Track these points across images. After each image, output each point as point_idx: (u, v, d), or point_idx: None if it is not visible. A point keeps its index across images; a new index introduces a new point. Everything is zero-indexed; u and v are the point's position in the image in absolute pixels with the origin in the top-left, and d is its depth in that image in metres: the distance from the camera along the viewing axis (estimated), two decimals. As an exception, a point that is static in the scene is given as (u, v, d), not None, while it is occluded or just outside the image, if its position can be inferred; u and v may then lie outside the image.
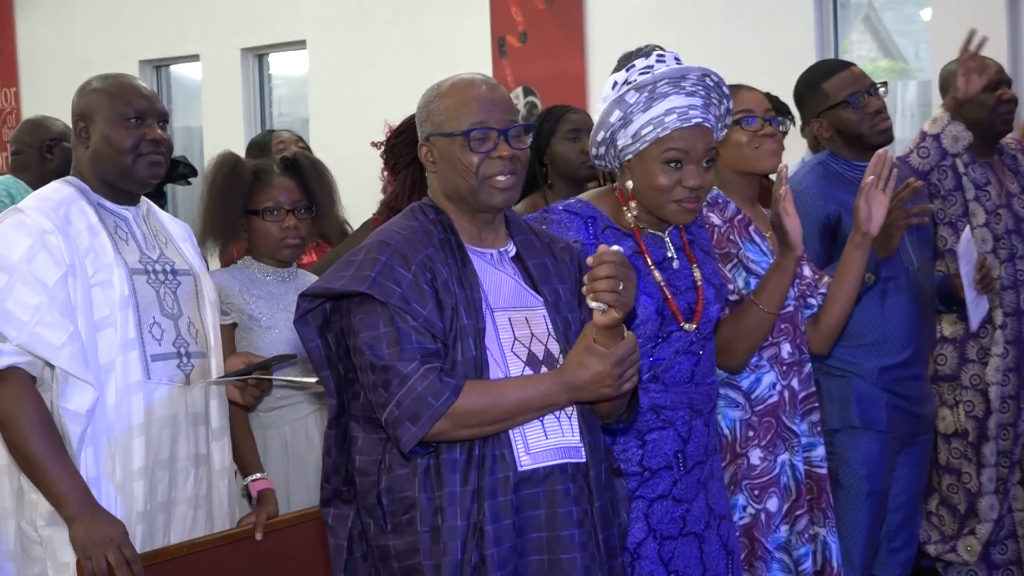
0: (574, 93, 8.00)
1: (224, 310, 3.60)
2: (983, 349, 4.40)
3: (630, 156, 2.94)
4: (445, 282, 2.53)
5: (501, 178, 2.60)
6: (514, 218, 2.76)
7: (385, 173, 4.16)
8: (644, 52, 2.95)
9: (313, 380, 3.35)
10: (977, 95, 4.27)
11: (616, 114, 2.89)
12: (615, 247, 2.47)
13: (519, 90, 8.44)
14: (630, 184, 2.96)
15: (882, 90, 3.95)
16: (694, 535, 2.98)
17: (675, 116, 2.88)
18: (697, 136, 2.91)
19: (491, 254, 2.67)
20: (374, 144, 4.12)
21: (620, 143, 2.93)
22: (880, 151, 3.49)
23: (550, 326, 2.63)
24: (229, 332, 3.61)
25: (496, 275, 2.64)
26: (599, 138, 2.95)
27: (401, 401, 2.44)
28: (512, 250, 2.70)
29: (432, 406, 2.43)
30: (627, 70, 2.92)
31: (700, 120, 2.91)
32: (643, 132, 2.89)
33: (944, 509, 4.51)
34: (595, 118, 3.01)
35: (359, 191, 5.14)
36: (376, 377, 2.48)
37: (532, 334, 2.61)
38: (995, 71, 4.41)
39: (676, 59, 2.94)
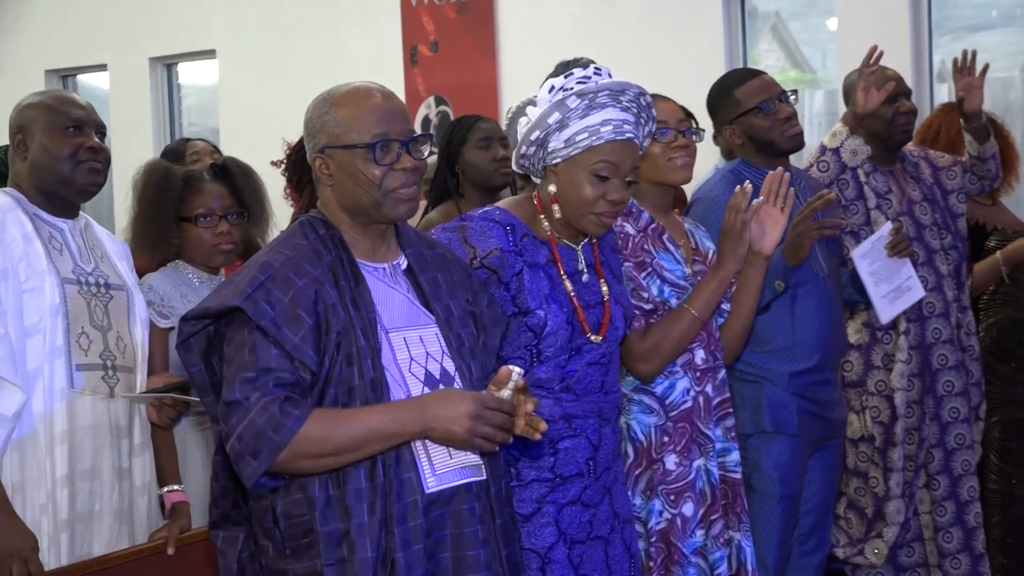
0: (486, 102, 8.02)
1: (164, 313, 3.59)
2: (888, 355, 4.46)
3: (558, 160, 2.96)
4: (334, 305, 2.46)
5: (404, 190, 2.57)
6: (405, 229, 2.73)
7: (287, 190, 4.14)
8: (581, 63, 2.99)
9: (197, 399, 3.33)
10: (876, 109, 4.37)
11: (555, 116, 2.91)
12: (516, 372, 2.47)
13: (431, 99, 8.44)
14: (552, 188, 2.98)
15: (792, 98, 4.00)
16: (600, 539, 3.02)
17: (610, 128, 2.92)
18: (626, 151, 2.96)
19: (384, 268, 2.62)
20: (274, 164, 4.10)
21: (551, 146, 2.95)
22: (774, 172, 3.53)
23: (443, 344, 2.60)
24: (165, 336, 3.59)
25: (389, 293, 2.59)
26: (532, 137, 2.96)
27: (242, 435, 2.38)
28: (404, 263, 2.67)
29: (272, 440, 2.36)
30: (565, 77, 2.94)
31: (631, 135, 2.96)
32: (577, 138, 2.92)
33: (852, 512, 4.56)
34: (521, 119, 3.02)
35: (273, 202, 5.10)
36: (221, 409, 2.42)
37: (427, 353, 2.57)
38: (895, 83, 4.48)
39: (609, 73, 2.98)
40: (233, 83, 9.31)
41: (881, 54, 4.28)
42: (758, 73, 4.09)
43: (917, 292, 4.11)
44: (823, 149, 4.33)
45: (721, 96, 4.06)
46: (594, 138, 2.91)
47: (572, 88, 2.92)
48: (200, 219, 3.72)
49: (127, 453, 3.28)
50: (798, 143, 4.00)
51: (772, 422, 3.86)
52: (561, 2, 8.00)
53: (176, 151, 5.50)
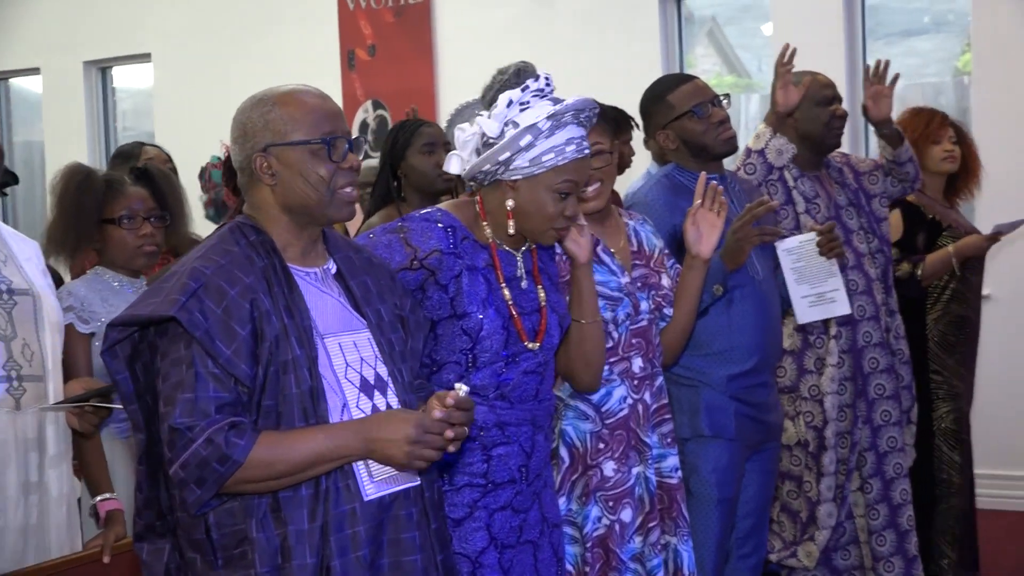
0: (424, 106, 8.01)
1: (84, 319, 3.56)
2: (820, 359, 4.49)
3: (518, 177, 2.96)
4: (268, 312, 2.43)
5: (349, 190, 2.57)
6: (331, 234, 2.71)
7: (205, 197, 4.13)
8: (527, 72, 2.97)
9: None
10: (809, 108, 4.41)
11: (527, 139, 2.90)
12: (462, 389, 2.48)
13: (368, 103, 8.42)
14: (511, 203, 2.97)
15: (725, 102, 4.02)
16: (530, 543, 3.02)
17: (574, 147, 2.93)
18: (585, 166, 3.01)
19: (315, 272, 2.60)
20: (213, 166, 4.09)
21: (516, 164, 2.94)
22: (701, 177, 3.56)
23: (376, 349, 2.59)
24: (87, 342, 3.56)
25: (322, 298, 2.57)
26: (501, 158, 2.93)
27: (187, 463, 2.35)
28: (333, 267, 2.65)
29: (217, 471, 2.34)
30: (522, 90, 2.93)
31: (587, 151, 3.00)
32: (543, 158, 2.92)
33: (785, 516, 4.59)
34: (462, 127, 3.00)
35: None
36: (164, 434, 2.39)
37: (361, 358, 2.56)
38: (829, 87, 4.52)
39: (548, 81, 2.98)
40: (169, 87, 9.25)
41: (794, 52, 4.33)
42: (691, 78, 4.11)
43: (842, 307, 4.12)
44: (748, 151, 4.38)
45: (654, 101, 4.08)
46: (560, 158, 2.92)
47: (528, 102, 2.93)
48: (123, 220, 3.72)
49: (37, 466, 3.22)
50: (732, 147, 4.02)
51: (710, 426, 3.88)
52: (498, 5, 8.01)
53: (131, 153, 5.46)
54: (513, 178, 2.95)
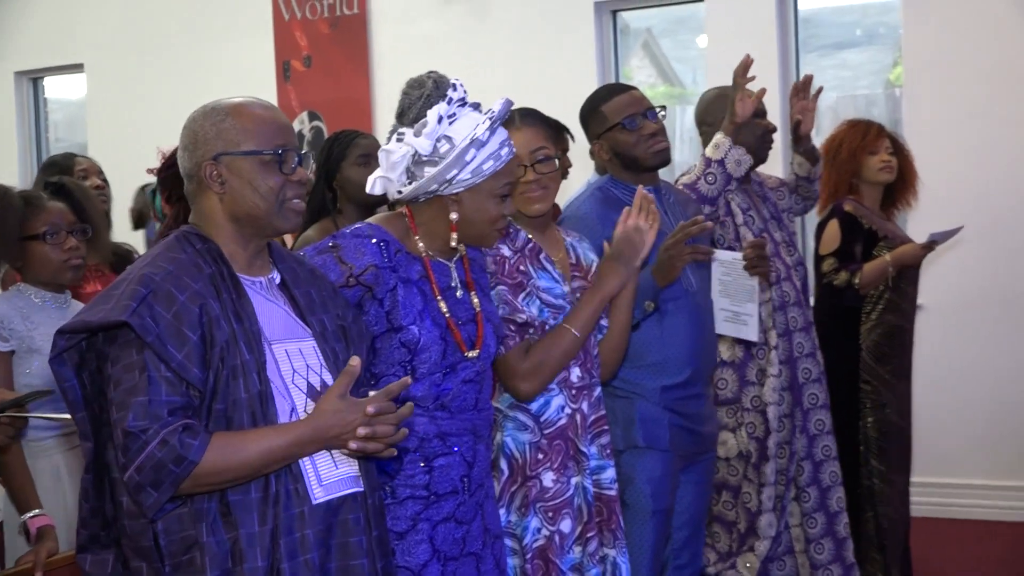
0: (360, 117, 7.99)
1: (4, 336, 3.53)
2: (761, 370, 4.52)
3: (459, 190, 2.96)
4: (217, 318, 2.45)
5: (297, 201, 2.60)
6: (275, 245, 2.73)
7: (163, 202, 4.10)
8: (442, 80, 2.98)
9: (67, 416, 3.27)
10: (750, 120, 4.44)
11: (472, 153, 2.92)
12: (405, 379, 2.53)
13: (304, 115, 8.39)
14: (454, 216, 2.98)
15: (661, 114, 4.03)
16: (473, 555, 3.03)
17: (507, 149, 2.98)
18: (515, 164, 3.07)
19: (261, 282, 2.62)
20: (150, 171, 4.05)
21: (457, 178, 2.95)
22: (640, 191, 3.57)
23: (321, 357, 2.61)
24: (6, 359, 3.53)
25: (269, 306, 2.59)
26: (449, 176, 2.94)
27: (141, 467, 2.36)
28: (277, 278, 2.67)
29: (173, 472, 2.36)
30: (447, 103, 2.94)
31: (514, 149, 3.05)
32: (484, 167, 2.94)
33: (720, 527, 4.60)
34: (390, 148, 2.99)
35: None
36: (118, 439, 2.39)
37: (307, 365, 2.58)
38: (760, 101, 4.56)
39: (462, 86, 2.99)
40: (102, 97, 9.16)
41: (751, 62, 4.36)
42: (627, 88, 4.10)
43: (751, 333, 4.16)
44: (708, 161, 4.35)
45: (590, 111, 4.09)
46: (498, 163, 2.96)
47: (455, 114, 2.94)
48: (46, 236, 3.70)
49: None
50: (663, 159, 4.02)
51: (644, 437, 3.89)
52: (434, 17, 8.01)
53: (62, 164, 5.41)
54: (455, 191, 2.96)
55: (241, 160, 2.55)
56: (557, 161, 3.49)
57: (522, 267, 3.40)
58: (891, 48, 7.77)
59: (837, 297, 5.01)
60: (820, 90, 4.72)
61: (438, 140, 2.93)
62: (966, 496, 6.85)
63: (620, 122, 3.98)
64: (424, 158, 2.95)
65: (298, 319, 2.63)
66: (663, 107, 4.06)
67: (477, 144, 2.91)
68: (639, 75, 8.34)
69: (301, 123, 8.39)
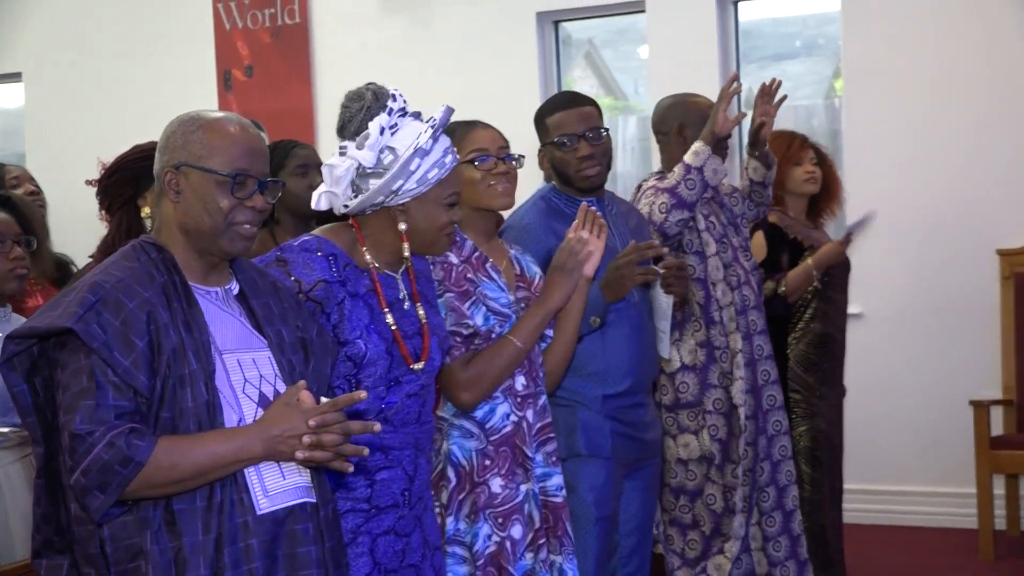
0: (302, 127, 7.97)
1: None
2: (724, 373, 4.54)
3: (406, 200, 2.96)
4: (166, 326, 2.45)
5: (247, 227, 2.59)
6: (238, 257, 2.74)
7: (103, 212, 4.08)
8: (381, 92, 2.97)
9: (5, 430, 3.27)
10: (698, 130, 4.50)
11: (416, 162, 2.92)
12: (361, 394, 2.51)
13: (246, 124, 8.34)
14: (403, 227, 2.98)
15: (604, 134, 4.01)
16: (412, 567, 3.02)
17: (450, 157, 2.98)
18: (460, 172, 3.08)
19: (216, 292, 2.62)
20: (89, 182, 4.03)
21: (403, 188, 2.95)
22: (584, 206, 3.58)
23: (276, 367, 2.61)
24: None
25: (222, 315, 2.59)
26: (395, 187, 2.94)
27: (88, 469, 2.36)
28: (236, 288, 2.67)
29: (119, 474, 2.36)
30: (388, 113, 2.94)
31: (458, 156, 3.06)
32: (429, 175, 2.94)
33: (675, 531, 4.62)
34: (333, 163, 2.99)
35: (83, 229, 4.99)
36: (65, 442, 2.40)
37: (261, 375, 2.58)
38: (710, 109, 4.60)
39: (402, 96, 2.99)
40: (40, 107, 9.08)
41: (737, 77, 4.44)
42: (576, 104, 4.05)
43: (663, 350, 4.18)
44: (688, 168, 4.38)
45: (538, 118, 4.09)
46: (443, 171, 2.96)
47: (396, 124, 2.94)
48: None
49: None
50: (592, 184, 4.00)
51: (586, 445, 3.90)
52: (377, 27, 8.00)
53: None
54: (401, 202, 2.96)
55: (199, 174, 2.55)
56: (521, 159, 3.54)
57: (469, 275, 3.40)
58: (831, 59, 7.85)
59: (767, 307, 5.05)
60: (784, 97, 4.76)
61: (381, 151, 2.93)
62: (901, 503, 6.92)
63: (556, 139, 3.99)
64: (368, 170, 2.95)
65: (254, 330, 2.63)
66: (606, 129, 4.03)
67: (421, 153, 2.91)
68: (581, 86, 8.37)
69: (243, 133, 8.34)
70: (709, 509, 4.55)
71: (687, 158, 4.40)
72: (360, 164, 2.95)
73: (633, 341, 4.00)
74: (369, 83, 3.01)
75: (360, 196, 2.96)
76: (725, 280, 4.58)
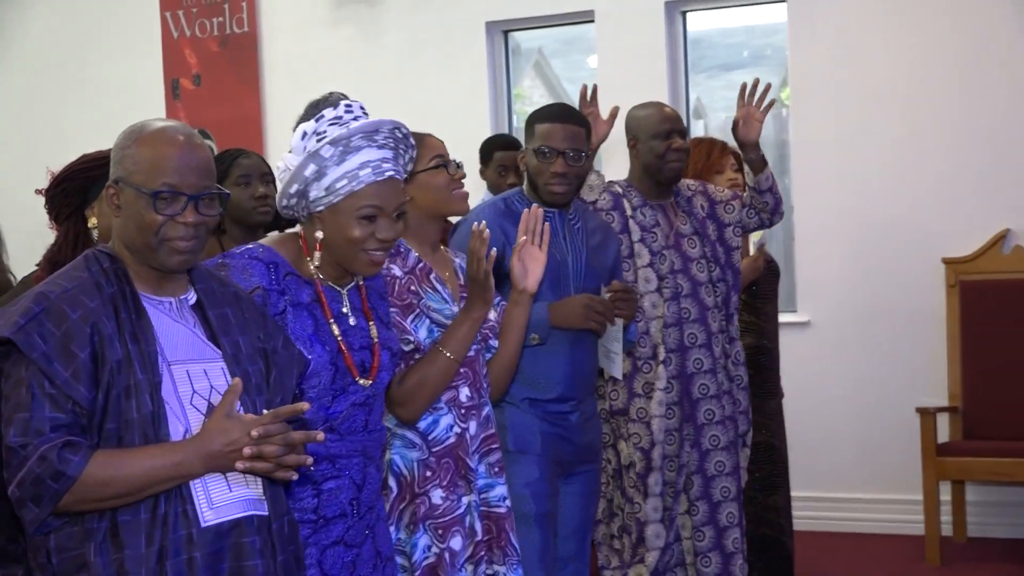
0: (250, 136, 7.94)
1: None
2: (648, 383, 4.57)
3: (322, 208, 2.93)
4: (111, 337, 2.43)
5: (182, 243, 2.55)
6: (197, 265, 2.71)
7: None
8: (331, 102, 2.94)
9: None
10: (647, 141, 4.53)
11: (311, 168, 2.88)
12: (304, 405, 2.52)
13: (194, 133, 8.30)
14: (319, 235, 2.94)
15: (576, 156, 4.03)
16: None
17: (369, 170, 2.89)
18: (390, 189, 2.93)
19: (169, 303, 2.59)
20: (39, 192, 4.00)
21: (312, 195, 2.91)
22: (530, 211, 3.59)
23: (229, 378, 2.58)
24: None
25: (173, 326, 2.57)
26: (292, 191, 2.91)
27: (22, 482, 2.35)
28: (192, 298, 2.64)
29: (51, 488, 2.35)
30: (316, 120, 2.90)
31: (392, 173, 2.93)
32: (338, 186, 2.88)
33: (625, 535, 4.65)
34: (278, 165, 2.98)
35: (27, 241, 4.94)
36: (4, 452, 2.39)
37: (212, 386, 2.55)
38: (668, 120, 4.61)
39: (361, 107, 2.95)
40: (-15, 116, 9.01)
41: (595, 91, 4.50)
42: (568, 120, 4.07)
43: (616, 371, 4.19)
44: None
45: (530, 120, 4.14)
46: (354, 183, 2.88)
47: (325, 131, 2.90)
48: None
49: None
50: (555, 201, 4.04)
51: (514, 442, 3.91)
52: (325, 35, 7.99)
53: None
54: (317, 209, 2.93)
55: (131, 191, 2.54)
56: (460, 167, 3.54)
57: (412, 287, 3.39)
58: (777, 69, 7.89)
59: None
60: (773, 102, 4.78)
61: (309, 157, 2.92)
62: (848, 510, 6.96)
63: (537, 148, 4.03)
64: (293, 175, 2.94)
65: (208, 341, 2.60)
66: (583, 152, 4.06)
67: (318, 160, 2.86)
68: (531, 95, 8.39)
69: (191, 142, 8.30)
70: (635, 517, 4.57)
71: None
72: (287, 167, 2.94)
73: (567, 356, 4.01)
74: (333, 92, 2.99)
75: (282, 199, 2.96)
76: (658, 291, 4.59)
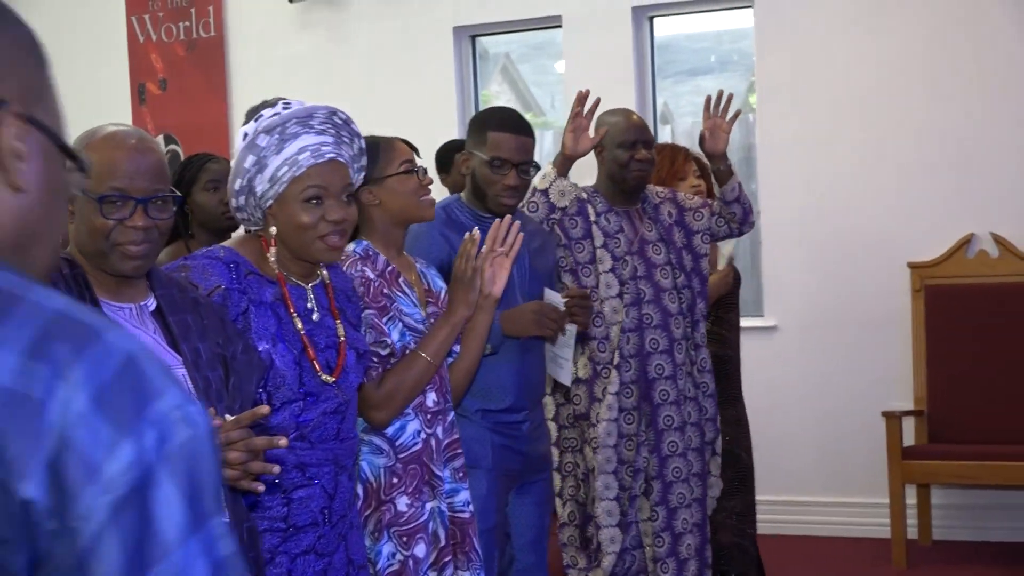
0: (217, 141, 7.91)
1: None
2: (605, 388, 4.58)
3: (270, 202, 2.92)
4: None
5: (133, 247, 2.53)
6: (156, 272, 2.69)
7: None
8: (270, 103, 2.95)
9: None
10: (611, 150, 4.53)
11: (250, 159, 2.88)
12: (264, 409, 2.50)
13: (160, 138, 8.27)
14: (274, 230, 2.94)
15: (532, 172, 4.03)
16: None
17: (308, 153, 2.89)
18: (333, 171, 2.93)
19: (130, 309, 2.57)
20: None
21: (259, 190, 2.91)
22: (501, 221, 3.58)
23: (190, 385, 2.56)
24: None
25: (134, 333, 2.54)
26: (237, 187, 2.92)
27: None
28: (152, 304, 2.62)
29: None
30: (255, 120, 2.91)
31: (333, 155, 2.93)
32: (279, 174, 2.88)
33: (585, 539, 4.66)
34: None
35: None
36: None
37: None
38: (633, 130, 4.61)
39: (301, 104, 2.95)
40: (-51, 120, 8.94)
41: (596, 100, 4.47)
42: (521, 131, 4.06)
43: (565, 377, 4.20)
44: (534, 190, 4.44)
45: (479, 124, 4.09)
46: (295, 169, 2.89)
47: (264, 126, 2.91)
48: None
49: None
50: (504, 212, 3.98)
51: (467, 456, 3.90)
52: (292, 41, 7.97)
53: None
54: (267, 205, 2.93)
55: (80, 196, 2.51)
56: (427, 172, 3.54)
57: (385, 290, 3.39)
58: (744, 74, 7.93)
59: None
60: (738, 113, 4.79)
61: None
62: (815, 513, 6.99)
63: (491, 158, 4.00)
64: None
65: (168, 347, 2.58)
66: (537, 166, 4.07)
67: (256, 150, 2.87)
68: (498, 100, 8.40)
69: (157, 146, 8.27)
70: (595, 521, 4.58)
71: (535, 180, 4.43)
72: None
73: (518, 364, 4.01)
74: (281, 98, 2.99)
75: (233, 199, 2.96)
76: (619, 297, 4.60)
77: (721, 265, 5.32)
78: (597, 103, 4.47)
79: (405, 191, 3.45)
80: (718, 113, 4.77)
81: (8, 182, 1.23)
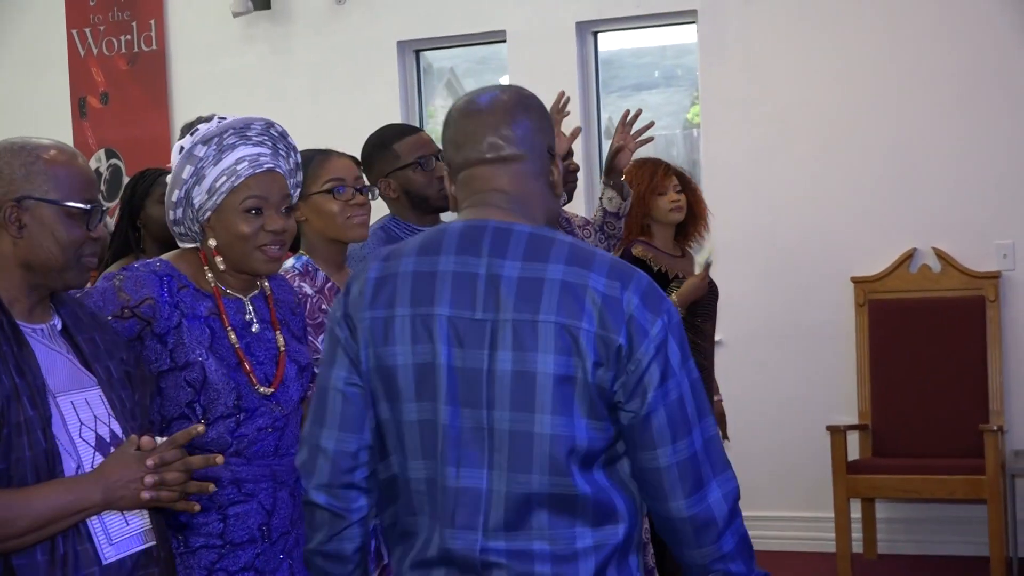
0: (159, 155, 7.83)
1: None
2: None
3: (209, 213, 2.89)
4: None
5: (91, 259, 2.52)
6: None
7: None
8: (205, 119, 2.93)
9: None
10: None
11: (188, 169, 2.85)
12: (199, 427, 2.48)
13: (101, 152, 8.20)
14: (213, 242, 2.90)
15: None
16: None
17: (246, 163, 2.87)
18: (271, 182, 2.90)
19: (43, 329, 2.50)
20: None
21: (197, 201, 2.87)
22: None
23: (108, 406, 2.51)
24: None
25: (51, 355, 2.47)
26: (174, 198, 2.88)
27: None
28: (59, 323, 2.56)
29: None
30: (191, 134, 2.88)
31: (271, 166, 2.91)
32: (218, 184, 2.85)
33: None
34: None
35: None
36: None
37: (95, 416, 2.48)
38: (580, 129, 4.61)
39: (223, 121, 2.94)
40: None
41: (568, 99, 4.48)
42: (416, 129, 4.15)
43: None
44: None
45: (378, 148, 4.07)
46: (233, 179, 2.86)
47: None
48: None
49: None
50: (446, 205, 4.03)
51: None
52: (235, 54, 7.92)
53: None
54: (205, 217, 2.90)
55: (47, 208, 2.45)
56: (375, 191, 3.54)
57: (323, 306, 3.36)
58: (688, 89, 7.95)
59: None
60: (649, 125, 4.77)
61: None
62: (759, 527, 6.98)
63: (414, 161, 3.99)
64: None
65: (82, 367, 2.52)
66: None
67: (193, 160, 2.85)
68: (443, 114, 8.38)
69: (98, 161, 8.20)
70: None
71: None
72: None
73: None
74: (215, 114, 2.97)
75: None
76: None
77: (697, 271, 5.31)
78: (568, 100, 4.55)
79: (327, 211, 3.43)
80: (631, 131, 4.74)
81: None
